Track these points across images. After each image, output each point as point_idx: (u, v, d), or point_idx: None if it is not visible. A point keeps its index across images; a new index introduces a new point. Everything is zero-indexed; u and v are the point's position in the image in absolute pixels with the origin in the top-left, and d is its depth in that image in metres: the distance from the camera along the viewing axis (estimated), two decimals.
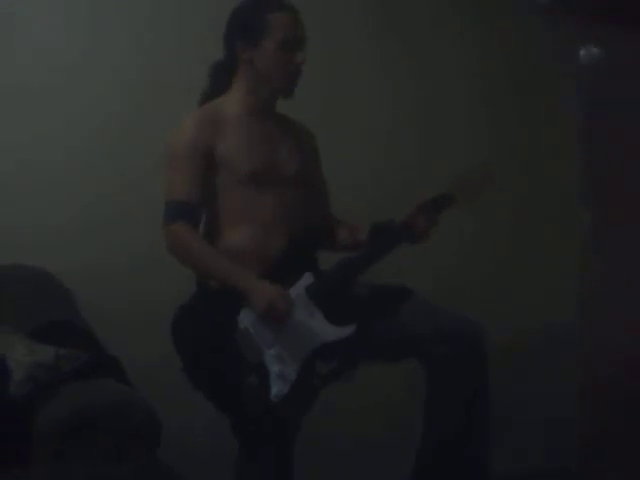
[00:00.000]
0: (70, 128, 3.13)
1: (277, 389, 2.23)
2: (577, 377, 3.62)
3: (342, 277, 2.37)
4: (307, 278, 2.33)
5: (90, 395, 2.48)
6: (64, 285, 2.96)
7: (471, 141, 3.54)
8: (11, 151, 3.07)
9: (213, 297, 2.33)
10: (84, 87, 3.14)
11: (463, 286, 3.44)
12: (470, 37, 3.59)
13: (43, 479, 2.32)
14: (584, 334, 3.63)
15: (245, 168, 2.36)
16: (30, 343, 2.61)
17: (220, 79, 2.46)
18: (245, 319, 2.28)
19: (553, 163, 3.66)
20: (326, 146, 2.60)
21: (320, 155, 2.59)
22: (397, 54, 3.51)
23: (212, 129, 2.35)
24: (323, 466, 3.20)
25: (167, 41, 3.23)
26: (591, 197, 3.66)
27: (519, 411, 3.47)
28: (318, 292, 2.32)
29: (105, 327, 2.87)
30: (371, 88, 3.47)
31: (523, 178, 3.60)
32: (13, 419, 2.46)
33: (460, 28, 3.58)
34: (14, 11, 3.07)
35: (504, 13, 3.60)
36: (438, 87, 3.56)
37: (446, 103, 3.56)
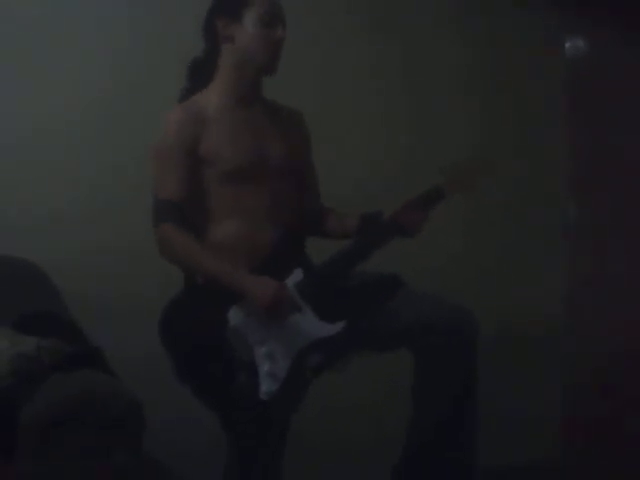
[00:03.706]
0: (60, 122, 3.11)
1: (267, 386, 2.22)
2: (573, 375, 3.64)
3: (332, 273, 2.35)
4: (297, 274, 2.32)
5: (73, 386, 2.45)
6: (49, 277, 2.92)
7: (467, 134, 3.55)
8: None
9: (201, 294, 2.31)
10: (72, 77, 3.13)
11: (458, 279, 3.44)
12: (457, 30, 3.59)
13: (28, 471, 2.29)
14: (579, 332, 3.64)
15: (230, 163, 2.34)
16: (12, 334, 2.59)
17: (200, 74, 2.45)
18: (235, 317, 2.26)
19: (540, 157, 3.67)
20: (321, 140, 2.59)
21: (311, 141, 2.56)
22: (388, 48, 3.51)
23: (195, 126, 2.33)
24: (313, 465, 3.19)
25: (165, 34, 3.21)
26: (576, 192, 3.67)
27: (516, 409, 3.48)
28: (308, 288, 2.30)
29: (95, 320, 2.85)
30: (365, 82, 3.48)
31: (515, 171, 3.60)
32: None
33: (448, 21, 3.58)
34: (13, 9, 3.05)
35: (491, 4, 3.59)
36: (429, 80, 3.57)
37: (437, 97, 3.57)
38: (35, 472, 2.30)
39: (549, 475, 3.46)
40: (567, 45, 3.70)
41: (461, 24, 3.60)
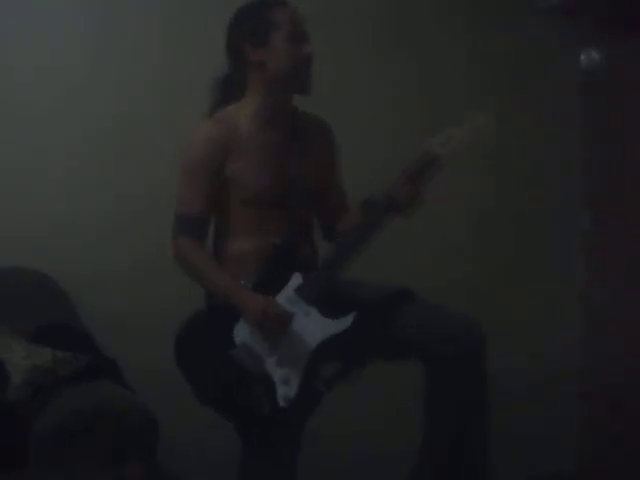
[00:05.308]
0: (76, 132, 3.14)
1: (283, 393, 2.22)
2: (578, 380, 3.63)
3: (331, 269, 2.33)
4: (296, 279, 2.31)
5: (88, 398, 2.48)
6: (63, 288, 2.95)
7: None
8: (16, 155, 3.08)
9: (216, 313, 2.32)
10: (90, 95, 3.16)
11: (463, 290, 3.43)
12: (472, 40, 3.58)
13: None
14: (584, 337, 3.63)
15: (253, 188, 2.33)
16: (28, 346, 2.62)
17: (229, 91, 2.41)
18: (240, 332, 2.27)
19: (555, 164, 3.67)
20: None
21: (338, 153, 2.53)
22: (400, 53, 3.50)
23: (224, 145, 2.31)
24: (326, 468, 3.21)
25: (176, 45, 3.24)
26: (592, 199, 3.65)
27: (531, 424, 3.48)
28: (309, 291, 2.29)
29: (110, 333, 2.89)
30: (375, 87, 3.47)
31: (524, 178, 3.61)
32: (12, 422, 2.45)
33: (463, 31, 3.57)
34: (16, 15, 3.08)
35: (506, 16, 3.59)
36: (445, 92, 3.55)
37: (453, 109, 3.53)
38: None
39: None
40: (582, 57, 3.70)
41: (477, 38, 3.59)
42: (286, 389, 2.23)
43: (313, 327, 2.26)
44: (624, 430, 3.39)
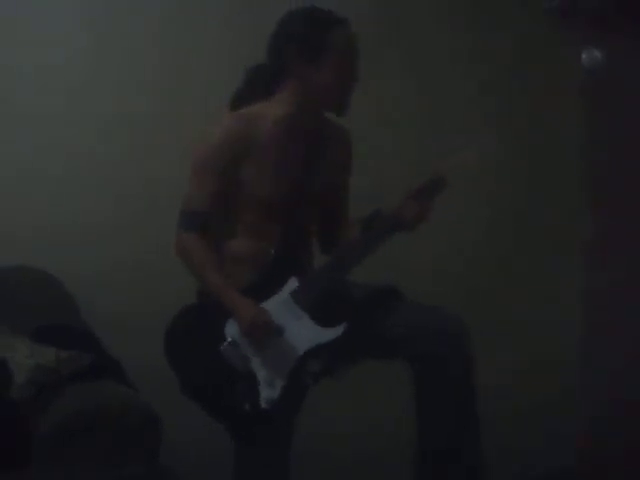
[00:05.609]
0: (77, 131, 3.15)
1: (266, 394, 2.23)
2: (577, 380, 3.64)
3: (328, 278, 2.33)
4: (292, 283, 2.31)
5: (91, 397, 2.48)
6: (66, 288, 2.95)
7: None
8: (17, 154, 3.09)
9: (208, 309, 2.32)
10: (90, 95, 3.16)
11: (463, 290, 3.44)
12: (472, 40, 3.58)
13: None
14: (584, 337, 3.64)
15: (266, 191, 2.32)
16: (31, 345, 2.62)
17: (260, 83, 2.38)
18: (230, 330, 2.27)
19: (555, 164, 3.67)
20: None
21: (352, 160, 2.53)
22: (400, 53, 3.51)
23: (239, 146, 2.28)
24: (325, 468, 3.21)
25: (182, 42, 3.24)
26: (592, 199, 3.65)
27: (518, 412, 3.48)
28: (304, 296, 2.29)
29: (108, 331, 2.88)
30: (375, 87, 3.45)
31: (524, 178, 3.62)
32: (15, 421, 2.45)
33: (463, 31, 3.58)
34: (16, 15, 3.08)
35: (506, 16, 3.60)
36: (441, 88, 3.55)
37: (449, 106, 3.55)
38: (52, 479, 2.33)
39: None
40: (582, 57, 3.69)
41: (477, 38, 3.59)
42: (270, 391, 2.23)
43: (304, 333, 2.26)
44: (624, 430, 3.41)
